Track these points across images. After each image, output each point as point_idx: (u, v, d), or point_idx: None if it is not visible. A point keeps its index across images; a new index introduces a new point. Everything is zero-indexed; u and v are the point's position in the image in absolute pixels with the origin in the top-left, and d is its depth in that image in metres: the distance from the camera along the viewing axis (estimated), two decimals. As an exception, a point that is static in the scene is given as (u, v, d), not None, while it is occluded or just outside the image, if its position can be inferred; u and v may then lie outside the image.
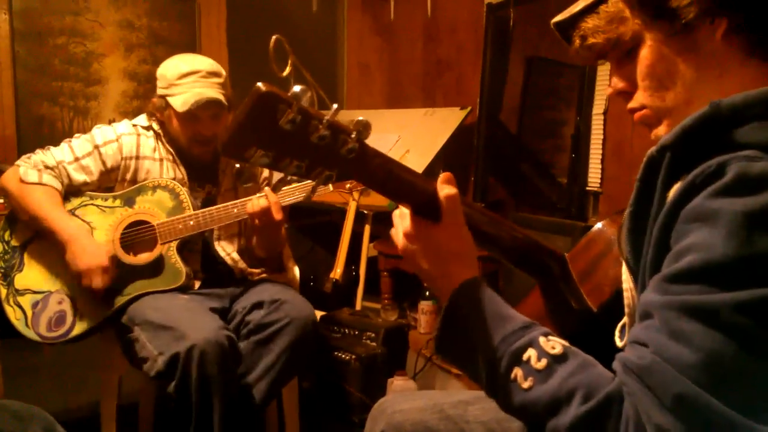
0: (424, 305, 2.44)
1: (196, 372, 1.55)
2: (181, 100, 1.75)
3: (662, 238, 0.62)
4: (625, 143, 2.35)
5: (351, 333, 2.36)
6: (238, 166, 1.84)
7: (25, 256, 1.82)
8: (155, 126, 1.88)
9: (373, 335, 2.31)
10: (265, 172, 1.98)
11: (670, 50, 0.71)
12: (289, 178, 0.74)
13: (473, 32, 3.10)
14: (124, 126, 1.88)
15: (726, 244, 0.56)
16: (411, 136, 3.02)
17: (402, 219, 0.85)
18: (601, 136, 2.43)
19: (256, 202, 1.70)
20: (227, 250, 1.91)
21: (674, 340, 0.58)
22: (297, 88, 0.64)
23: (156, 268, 1.78)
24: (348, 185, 1.77)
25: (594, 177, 2.46)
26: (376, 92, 3.95)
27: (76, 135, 1.86)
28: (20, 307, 1.77)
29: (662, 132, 0.75)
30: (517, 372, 0.70)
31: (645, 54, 0.74)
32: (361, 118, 0.70)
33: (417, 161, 2.82)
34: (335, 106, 0.68)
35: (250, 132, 0.64)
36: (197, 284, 1.87)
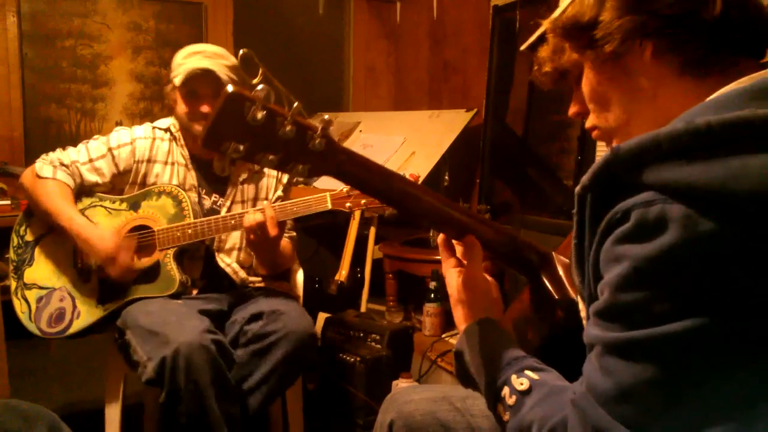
0: (429, 307, 2.43)
1: (185, 380, 1.54)
2: (180, 77, 1.77)
3: (596, 272, 0.67)
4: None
5: (356, 335, 2.36)
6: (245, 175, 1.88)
7: (36, 251, 1.87)
8: (173, 129, 1.90)
9: (378, 337, 2.30)
10: (279, 192, 1.97)
11: (603, 75, 0.75)
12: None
13: (479, 34, 3.10)
14: (141, 129, 1.90)
15: (629, 285, 0.60)
16: (417, 138, 3.03)
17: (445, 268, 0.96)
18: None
19: (251, 216, 1.69)
20: (226, 261, 1.91)
21: (602, 374, 0.63)
22: (259, 88, 0.72)
23: (152, 274, 1.79)
24: (348, 204, 1.69)
25: (600, 180, 2.45)
26: (383, 95, 3.95)
27: (95, 137, 1.90)
28: (26, 300, 1.82)
29: None
30: (500, 407, 0.79)
31: (584, 81, 0.78)
32: (326, 116, 0.78)
33: (423, 163, 2.82)
34: (296, 103, 0.75)
35: (224, 127, 0.73)
36: (195, 292, 1.87)
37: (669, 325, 0.58)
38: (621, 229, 0.61)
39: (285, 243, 1.94)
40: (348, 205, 1.68)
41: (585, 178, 0.66)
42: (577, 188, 0.67)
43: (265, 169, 1.94)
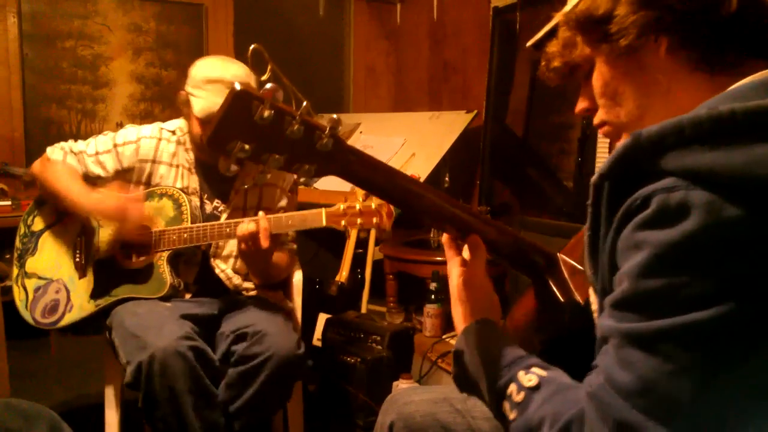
0: (430, 308, 2.43)
1: (160, 386, 1.53)
2: (200, 105, 1.75)
3: (611, 262, 0.66)
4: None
5: (356, 336, 2.36)
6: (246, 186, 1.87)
7: (40, 241, 1.89)
8: (179, 132, 1.90)
9: (378, 338, 2.30)
10: (282, 202, 1.97)
11: (617, 70, 0.74)
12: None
13: (479, 35, 3.11)
14: (149, 129, 1.90)
15: (651, 272, 0.59)
16: (417, 139, 3.03)
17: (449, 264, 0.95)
18: (608, 140, 2.42)
19: (244, 226, 1.67)
20: (221, 267, 1.90)
21: (621, 367, 0.61)
22: (268, 86, 0.70)
23: (144, 275, 1.79)
24: (343, 222, 1.63)
25: (600, 180, 2.45)
26: (383, 95, 3.96)
27: (105, 132, 1.91)
28: (25, 289, 1.85)
29: None
30: (505, 405, 0.77)
31: (596, 75, 0.78)
32: (334, 116, 0.76)
33: (423, 164, 2.83)
34: (305, 103, 0.74)
35: (230, 126, 0.71)
36: (188, 296, 1.86)
37: (694, 314, 0.57)
38: (641, 216, 0.60)
39: (282, 255, 1.93)
40: (343, 223, 1.64)
41: (602, 167, 0.65)
42: (593, 178, 0.66)
43: (269, 177, 1.93)
